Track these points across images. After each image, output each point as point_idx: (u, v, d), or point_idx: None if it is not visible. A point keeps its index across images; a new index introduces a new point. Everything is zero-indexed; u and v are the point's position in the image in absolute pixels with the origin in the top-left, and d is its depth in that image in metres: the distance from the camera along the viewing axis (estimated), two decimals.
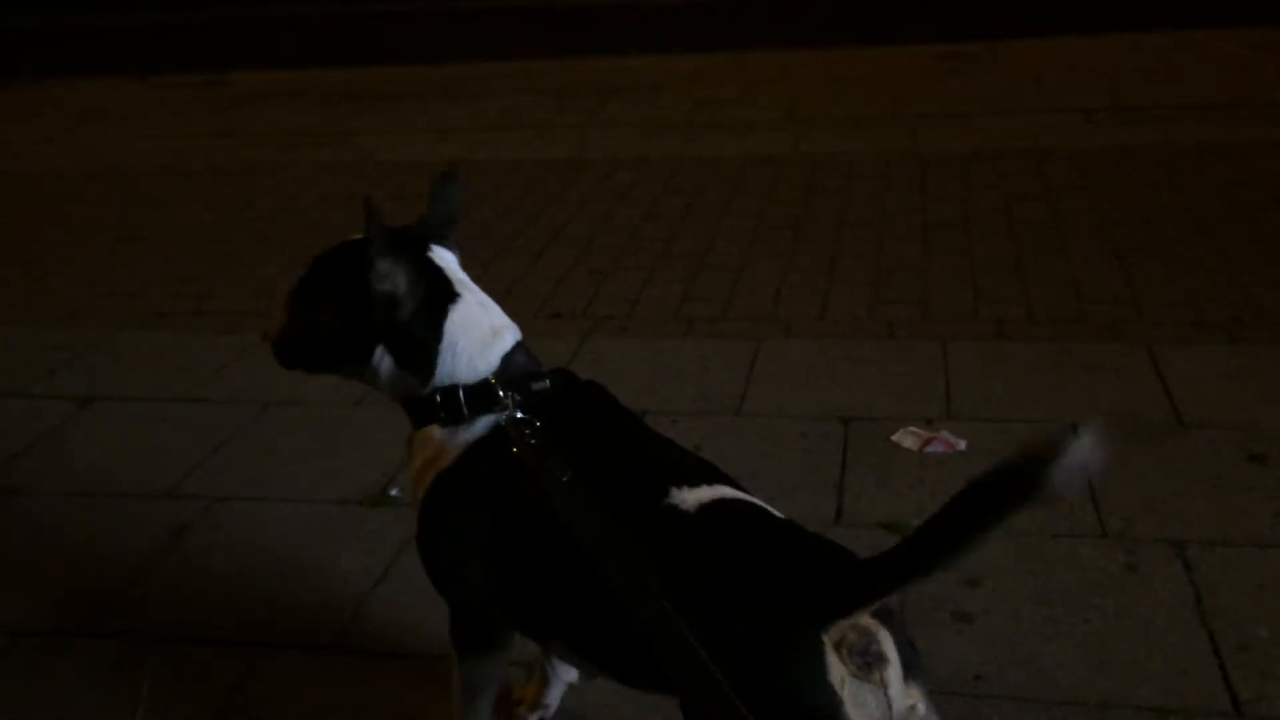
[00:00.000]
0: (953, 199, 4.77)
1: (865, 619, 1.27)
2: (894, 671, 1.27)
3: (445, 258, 1.71)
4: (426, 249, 1.69)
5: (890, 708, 1.25)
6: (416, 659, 2.21)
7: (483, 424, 1.61)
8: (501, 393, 1.60)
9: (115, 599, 2.50)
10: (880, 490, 2.68)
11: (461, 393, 1.61)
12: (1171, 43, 7.34)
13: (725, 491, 1.49)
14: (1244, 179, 4.72)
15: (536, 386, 1.63)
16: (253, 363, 3.55)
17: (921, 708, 1.30)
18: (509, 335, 1.68)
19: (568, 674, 2.02)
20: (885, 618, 1.29)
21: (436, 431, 1.64)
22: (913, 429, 2.92)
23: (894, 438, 2.90)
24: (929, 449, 2.83)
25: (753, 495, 1.54)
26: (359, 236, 1.63)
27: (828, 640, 1.24)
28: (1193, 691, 2.00)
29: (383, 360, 1.65)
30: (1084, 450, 1.07)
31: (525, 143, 6.28)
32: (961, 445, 2.84)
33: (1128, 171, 4.92)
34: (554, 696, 2.03)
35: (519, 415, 1.58)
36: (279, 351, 1.73)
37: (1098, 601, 2.24)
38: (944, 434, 2.88)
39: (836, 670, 1.23)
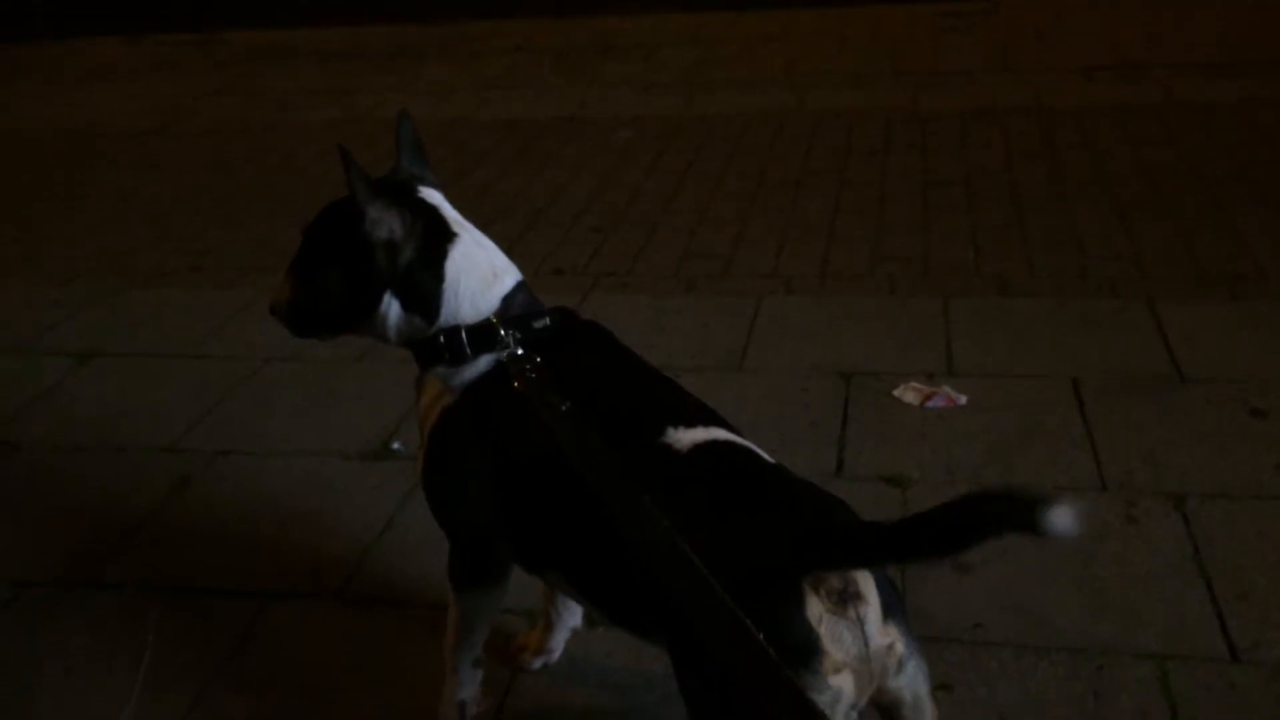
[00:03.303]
0: (953, 156, 4.75)
1: None
2: (871, 611, 1.29)
3: (434, 197, 1.72)
4: (415, 190, 1.70)
5: (867, 644, 1.28)
6: (419, 607, 2.22)
7: (486, 361, 1.63)
8: (503, 331, 1.62)
9: (119, 551, 2.52)
10: (881, 445, 2.69)
11: (464, 333, 1.63)
12: None
13: (720, 434, 1.50)
14: (1246, 136, 4.70)
15: (537, 325, 1.65)
16: (252, 319, 3.55)
17: (900, 647, 1.33)
18: (509, 276, 1.70)
19: (572, 619, 2.04)
20: None
21: (442, 371, 1.66)
22: (914, 384, 2.93)
23: (895, 393, 2.90)
24: (930, 404, 2.84)
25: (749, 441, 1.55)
26: (344, 197, 1.65)
27: (806, 580, 1.27)
28: (1191, 639, 2.02)
29: (391, 306, 1.66)
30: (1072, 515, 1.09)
31: (525, 101, 6.24)
32: (962, 400, 2.84)
33: (1129, 129, 4.90)
34: (558, 642, 2.05)
35: (519, 352, 1.61)
36: (291, 323, 1.75)
37: (1097, 552, 2.26)
38: (945, 389, 2.89)
39: (814, 607, 1.26)
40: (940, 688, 1.94)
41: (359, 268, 1.64)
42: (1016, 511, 1.11)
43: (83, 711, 2.06)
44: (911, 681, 1.38)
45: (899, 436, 2.72)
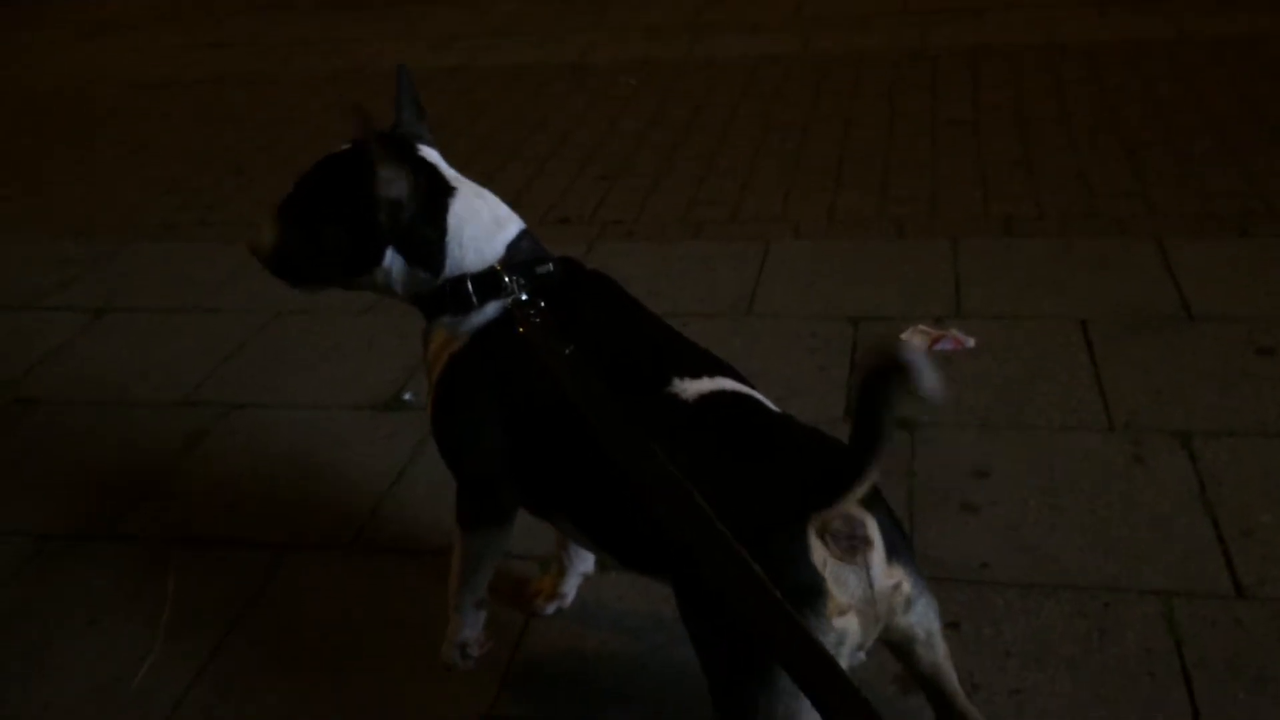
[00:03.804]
0: (962, 96, 4.70)
1: (851, 505, 1.30)
2: (876, 554, 1.32)
3: (432, 155, 1.72)
4: (415, 149, 1.70)
5: (872, 586, 1.31)
6: (432, 555, 2.25)
7: (492, 308, 1.64)
8: (506, 279, 1.63)
9: (136, 503, 2.55)
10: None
11: (469, 281, 1.64)
12: None
13: (727, 384, 1.52)
14: (1256, 72, 4.63)
15: (540, 270, 1.66)
16: (261, 272, 3.55)
17: (907, 586, 1.36)
18: (513, 225, 1.71)
19: (583, 564, 2.07)
20: (869, 500, 1.32)
21: (448, 320, 1.67)
22: (922, 327, 2.93)
23: (903, 336, 2.90)
24: (938, 346, 2.85)
25: (757, 391, 1.56)
26: (345, 148, 1.65)
27: (811, 526, 1.28)
28: (1196, 576, 2.04)
29: (394, 261, 1.67)
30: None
31: (528, 48, 6.19)
32: (971, 343, 2.85)
33: (1139, 65, 4.84)
34: (570, 586, 2.08)
35: (524, 298, 1.62)
36: (277, 267, 1.73)
37: (1103, 491, 2.27)
38: (953, 331, 2.89)
39: (819, 553, 1.28)
40: (948, 626, 1.96)
41: (361, 224, 1.63)
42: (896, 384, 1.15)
43: (105, 661, 2.10)
44: (923, 618, 1.41)
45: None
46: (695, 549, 1.26)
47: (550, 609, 2.08)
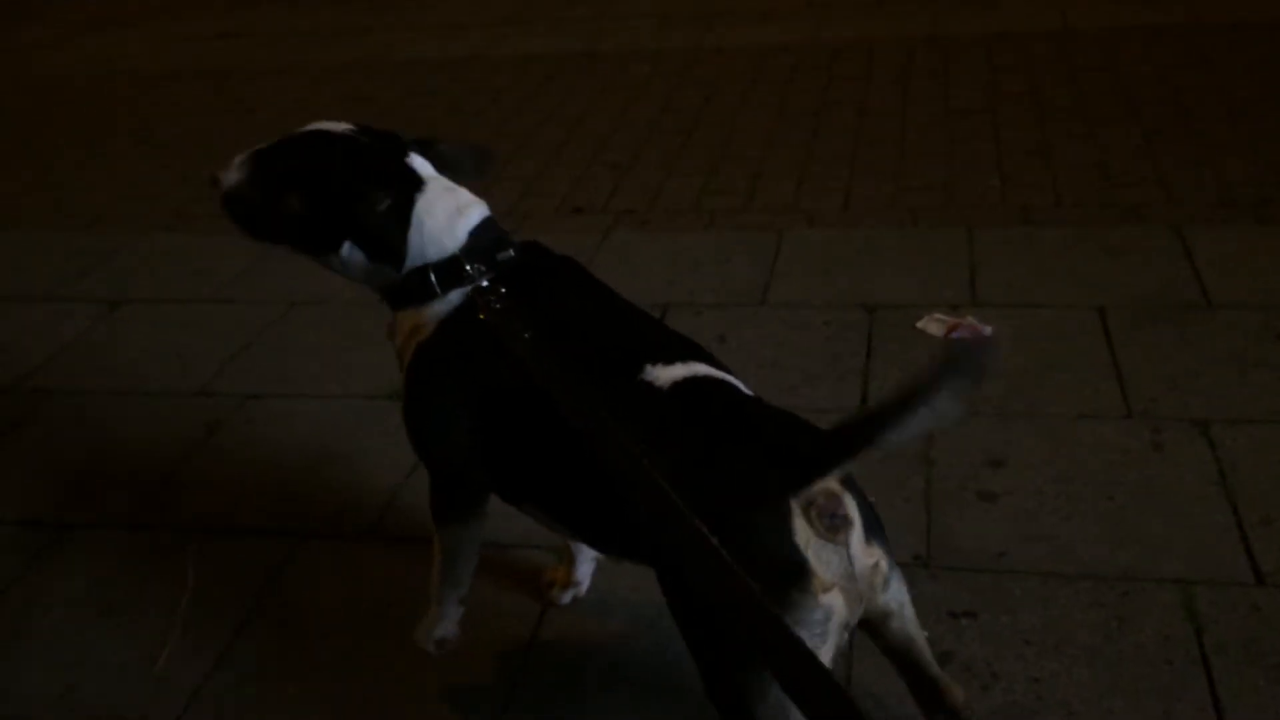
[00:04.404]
0: (977, 83, 4.68)
1: (832, 484, 1.32)
2: (855, 533, 1.33)
3: (417, 162, 1.69)
4: (404, 156, 1.68)
5: (852, 564, 1.32)
6: None
7: (456, 295, 1.63)
8: (469, 266, 1.62)
9: (155, 493, 2.56)
10: (904, 376, 2.69)
11: (431, 272, 1.63)
12: None
13: (700, 369, 1.50)
14: (1274, 57, 4.60)
15: (501, 256, 1.65)
16: (277, 263, 3.56)
17: (884, 565, 1.38)
18: (475, 211, 1.68)
19: (591, 550, 2.06)
20: (846, 481, 1.35)
21: (414, 309, 1.66)
22: (938, 315, 2.92)
23: (919, 324, 2.89)
24: (955, 335, 2.83)
25: (729, 373, 1.55)
26: (342, 131, 1.65)
27: (795, 504, 1.29)
28: (1216, 564, 2.03)
29: (353, 254, 1.66)
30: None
31: (540, 37, 6.18)
32: (987, 331, 2.83)
33: (1156, 52, 4.81)
34: (584, 574, 2.08)
35: (485, 284, 1.61)
36: (229, 205, 1.71)
37: (1121, 480, 2.26)
38: (970, 319, 2.88)
39: (803, 532, 1.29)
40: (965, 614, 1.96)
41: (325, 212, 1.63)
42: (959, 375, 1.21)
43: (123, 649, 2.11)
44: (897, 594, 1.43)
45: (921, 368, 2.71)
46: (667, 537, 1.27)
47: (566, 598, 2.09)
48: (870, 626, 1.46)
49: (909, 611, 1.47)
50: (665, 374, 1.46)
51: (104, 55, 6.90)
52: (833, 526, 1.30)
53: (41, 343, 3.32)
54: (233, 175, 1.70)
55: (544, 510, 1.64)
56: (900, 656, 1.52)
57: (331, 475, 2.55)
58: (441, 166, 1.72)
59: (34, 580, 2.33)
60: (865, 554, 1.34)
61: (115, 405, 2.94)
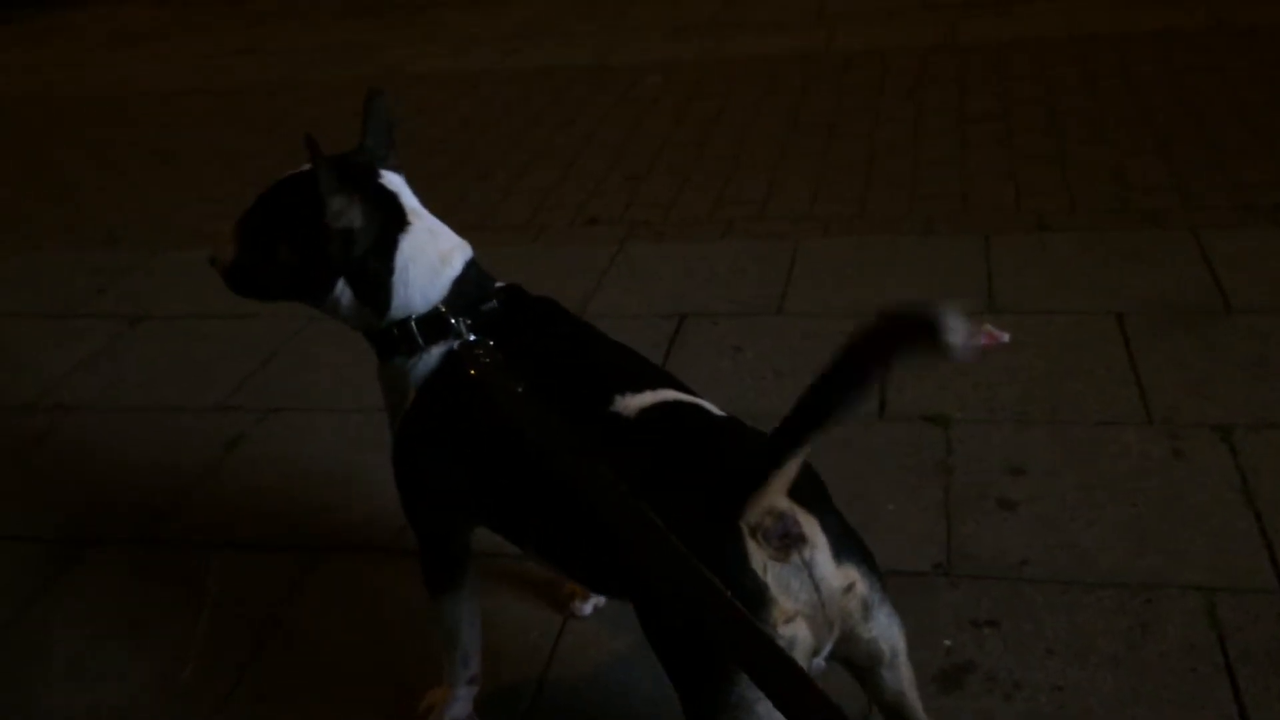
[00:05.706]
0: (991, 91, 4.67)
1: (780, 501, 1.24)
2: (820, 553, 1.25)
3: (394, 181, 1.68)
4: (377, 175, 1.66)
5: (818, 588, 1.24)
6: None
7: (437, 353, 1.61)
8: (453, 320, 1.60)
9: (176, 508, 2.58)
10: (923, 383, 2.68)
11: (414, 324, 1.61)
12: None
13: (666, 395, 1.47)
14: None
15: (485, 308, 1.63)
16: None
17: (862, 588, 1.28)
18: (458, 257, 1.65)
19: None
20: (812, 501, 1.27)
21: (399, 362, 1.64)
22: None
23: None
24: (973, 343, 2.82)
25: (700, 396, 1.52)
26: (306, 168, 1.60)
27: (744, 527, 1.22)
28: (1239, 571, 2.01)
29: (344, 293, 1.64)
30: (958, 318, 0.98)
31: (552, 49, 6.20)
32: (1005, 337, 2.83)
33: (1171, 56, 4.79)
34: None
35: (472, 339, 1.59)
36: (231, 280, 1.71)
37: (1142, 487, 2.25)
38: (987, 326, 2.87)
39: (758, 556, 1.22)
40: (988, 623, 1.96)
41: (313, 252, 1.60)
42: (911, 333, 1.01)
43: (147, 664, 2.12)
44: (886, 632, 1.32)
45: (941, 375, 2.71)
46: (645, 563, 1.23)
47: (587, 609, 2.09)
48: (856, 669, 1.37)
49: (902, 661, 1.36)
50: (633, 402, 1.44)
51: (124, 73, 6.96)
52: (784, 546, 1.22)
53: (62, 359, 3.34)
54: (227, 250, 1.69)
55: (538, 553, 1.62)
56: (889, 713, 1.42)
57: (351, 489, 2.56)
58: (381, 151, 1.69)
59: (55, 595, 2.34)
60: (835, 575, 1.25)
61: (135, 421, 2.96)
